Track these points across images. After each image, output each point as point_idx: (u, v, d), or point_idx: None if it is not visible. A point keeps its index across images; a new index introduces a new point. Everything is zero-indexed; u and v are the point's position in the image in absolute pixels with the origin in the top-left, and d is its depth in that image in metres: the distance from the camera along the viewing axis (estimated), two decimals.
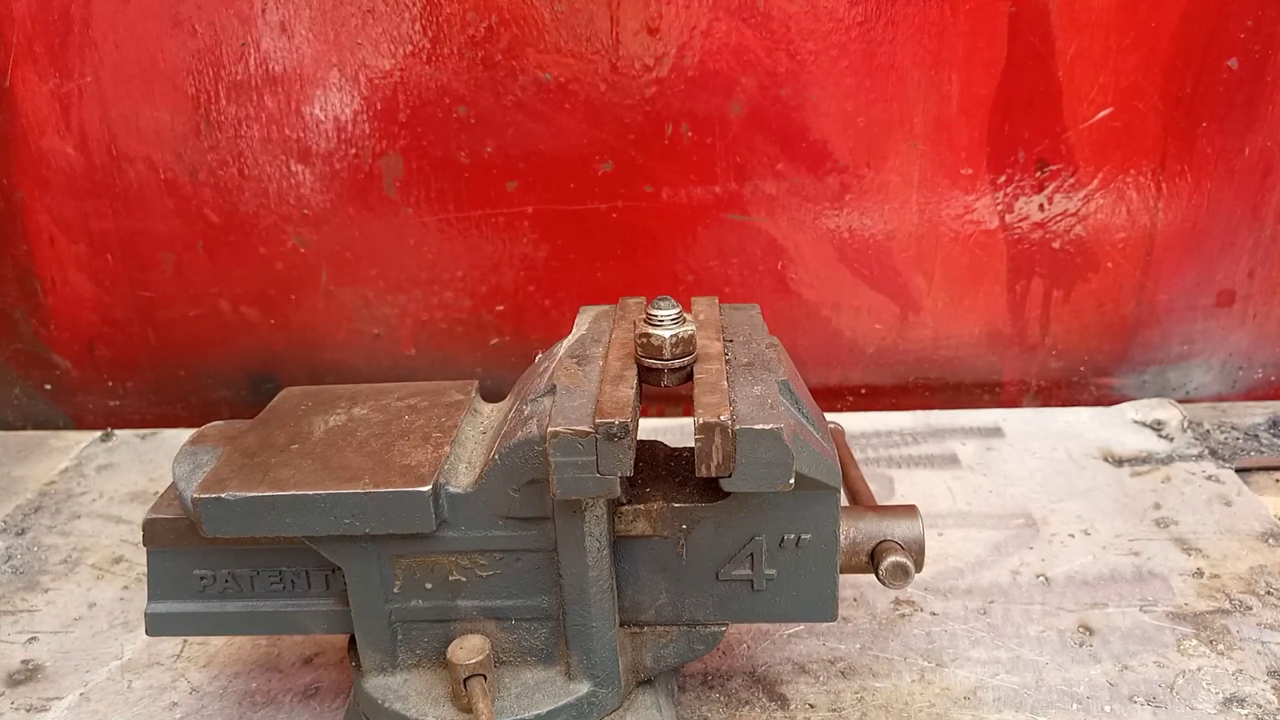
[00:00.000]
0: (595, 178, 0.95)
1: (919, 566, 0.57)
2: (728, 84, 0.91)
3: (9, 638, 0.75)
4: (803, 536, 0.55)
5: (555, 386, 0.54)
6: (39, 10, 0.89)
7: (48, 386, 1.04)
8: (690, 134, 0.93)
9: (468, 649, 0.55)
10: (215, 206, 0.96)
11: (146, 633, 0.61)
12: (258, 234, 0.97)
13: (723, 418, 0.48)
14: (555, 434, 0.49)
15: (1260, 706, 0.64)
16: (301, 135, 0.93)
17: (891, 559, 0.56)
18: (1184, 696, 0.65)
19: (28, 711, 0.68)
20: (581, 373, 0.55)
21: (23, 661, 0.73)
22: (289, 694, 0.68)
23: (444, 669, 0.56)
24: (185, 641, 0.74)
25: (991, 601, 0.74)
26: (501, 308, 0.99)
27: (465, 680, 0.54)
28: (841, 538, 0.56)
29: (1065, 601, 0.74)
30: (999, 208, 0.96)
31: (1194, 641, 0.70)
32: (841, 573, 0.57)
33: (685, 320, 0.55)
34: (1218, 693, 0.65)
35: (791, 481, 0.49)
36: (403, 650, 0.58)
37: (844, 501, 0.59)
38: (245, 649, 0.73)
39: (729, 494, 0.53)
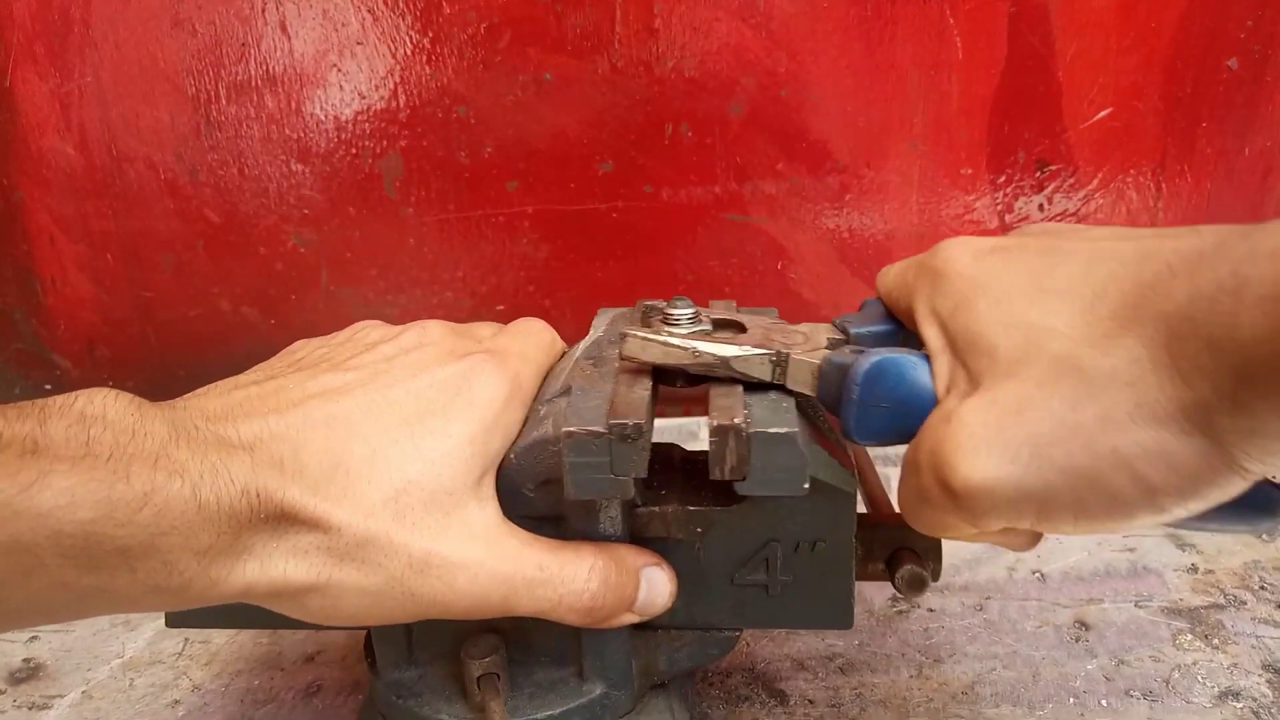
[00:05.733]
0: (595, 178, 0.95)
1: (936, 576, 0.57)
2: (728, 84, 0.91)
3: (10, 636, 0.75)
4: (818, 542, 0.55)
5: (570, 387, 0.54)
6: (39, 10, 0.89)
7: (48, 387, 1.04)
8: (690, 134, 0.93)
9: (481, 647, 0.55)
10: (215, 206, 0.96)
11: (166, 624, 0.62)
12: (258, 234, 0.97)
13: (736, 421, 0.48)
14: (569, 434, 0.49)
15: (1255, 699, 0.64)
16: (301, 135, 0.93)
17: (908, 568, 0.56)
18: (1179, 690, 0.65)
19: (30, 709, 0.68)
20: (597, 374, 0.55)
21: (24, 660, 0.73)
22: (291, 691, 0.69)
23: (458, 666, 0.56)
24: (187, 640, 0.74)
25: (988, 598, 0.74)
26: (501, 308, 0.99)
27: (478, 679, 0.54)
28: (858, 544, 0.56)
29: (1061, 597, 0.74)
30: (999, 208, 0.96)
31: (1189, 636, 0.70)
32: (858, 580, 0.56)
33: (702, 321, 0.55)
34: (1213, 686, 0.65)
35: (806, 486, 0.49)
36: (418, 647, 0.58)
37: (862, 508, 0.59)
38: (247, 647, 0.73)
39: (744, 498, 0.53)
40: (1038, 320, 0.41)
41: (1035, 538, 0.49)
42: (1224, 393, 0.34)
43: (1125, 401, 0.37)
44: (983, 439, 0.41)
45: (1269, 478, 0.39)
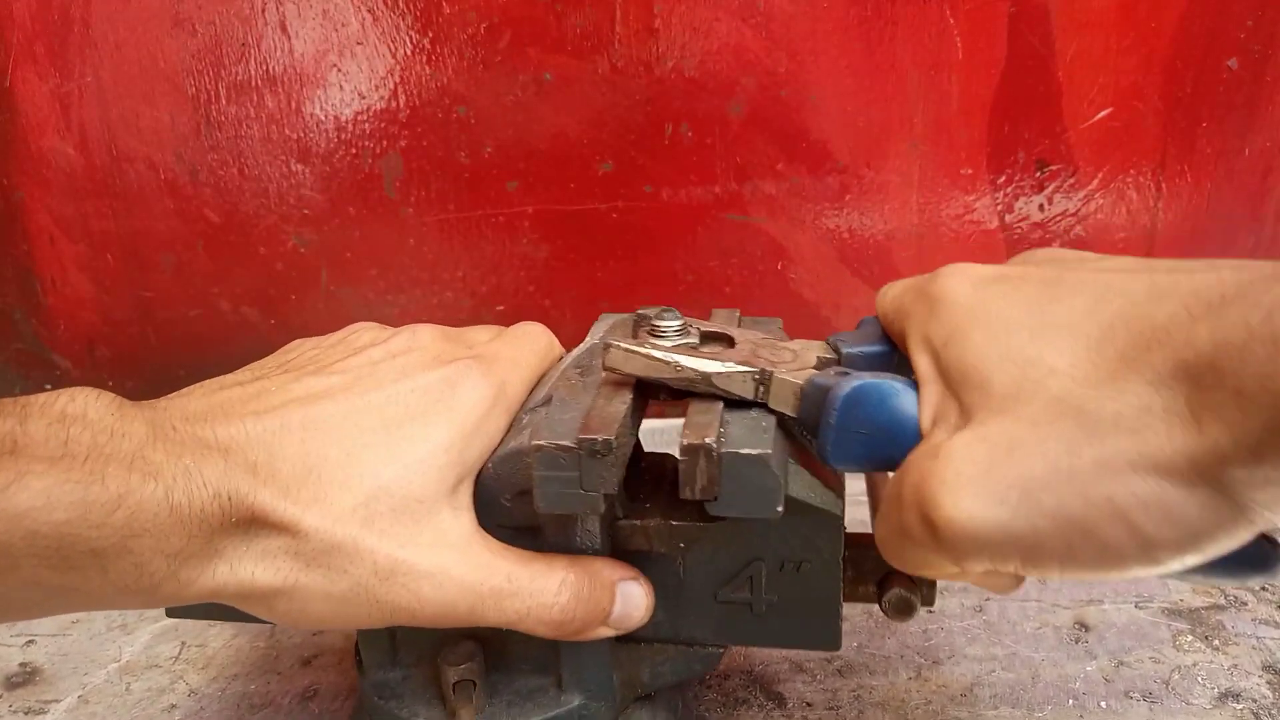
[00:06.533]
0: (595, 178, 0.94)
1: (927, 602, 0.56)
2: (728, 84, 0.91)
3: (6, 641, 0.75)
4: (803, 563, 0.54)
5: (551, 397, 0.53)
6: (39, 10, 0.89)
7: (48, 386, 1.03)
8: (690, 134, 0.93)
9: (458, 654, 0.55)
10: (215, 206, 0.96)
11: (167, 615, 0.62)
12: (258, 234, 0.97)
13: (707, 440, 0.47)
14: (539, 447, 0.48)
15: (1255, 701, 0.64)
16: (301, 135, 0.93)
17: (895, 591, 0.55)
18: (1179, 692, 0.65)
19: (26, 714, 0.68)
20: (582, 384, 0.55)
21: (20, 664, 0.73)
22: (287, 696, 0.69)
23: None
24: (184, 644, 0.74)
25: (987, 599, 0.74)
26: (501, 308, 0.99)
27: (453, 685, 0.54)
28: (848, 566, 0.55)
29: (1061, 598, 0.74)
30: (999, 208, 0.95)
31: (1189, 637, 0.70)
32: (847, 601, 0.56)
33: (689, 333, 0.55)
34: (1213, 688, 0.65)
35: (780, 509, 0.48)
36: (402, 649, 0.58)
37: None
38: (244, 651, 0.73)
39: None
40: (1037, 356, 0.40)
41: (1019, 581, 0.48)
42: (1246, 443, 0.33)
43: (1127, 449, 0.36)
44: (970, 477, 0.39)
45: (1265, 533, 0.39)
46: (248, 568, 0.45)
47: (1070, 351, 0.39)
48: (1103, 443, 0.36)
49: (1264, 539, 0.40)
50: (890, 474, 0.47)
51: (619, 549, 0.55)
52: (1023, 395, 0.40)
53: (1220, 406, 0.34)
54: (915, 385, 0.47)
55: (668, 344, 0.53)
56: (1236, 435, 0.33)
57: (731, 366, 0.51)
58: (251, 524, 0.45)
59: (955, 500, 0.39)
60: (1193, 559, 0.36)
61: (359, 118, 0.93)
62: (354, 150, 0.94)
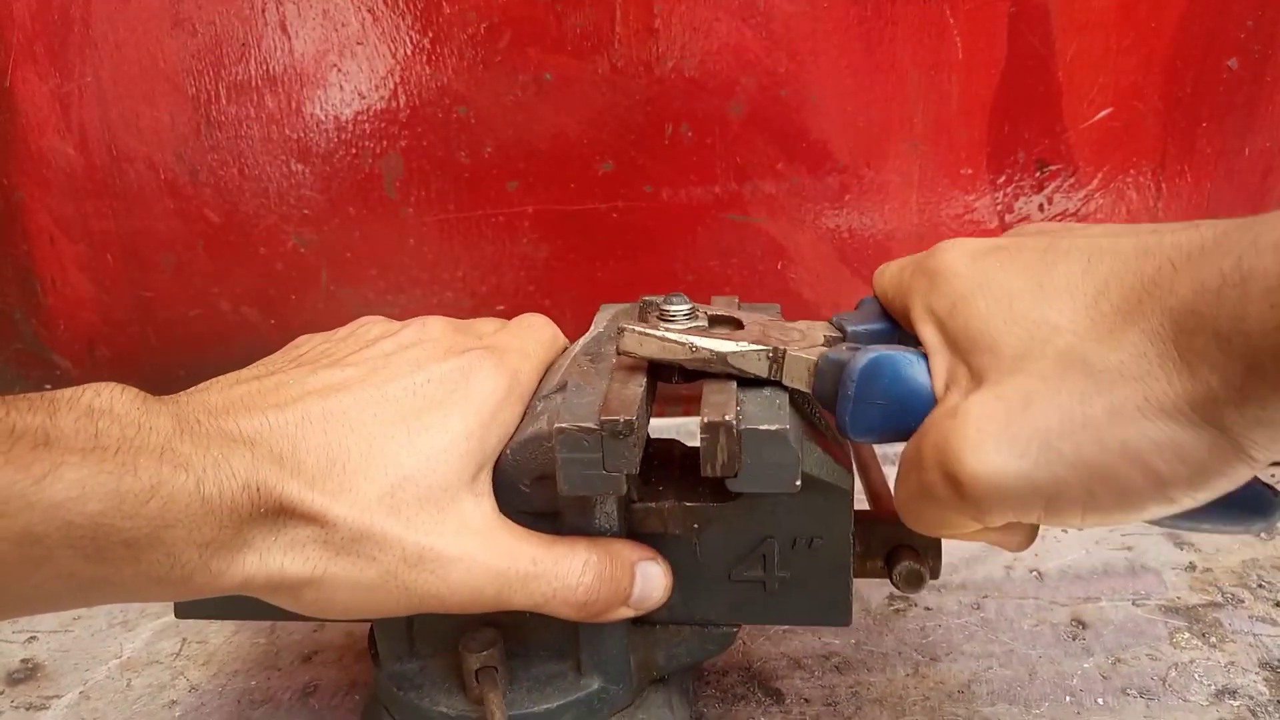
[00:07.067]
0: (595, 178, 0.95)
1: (935, 573, 0.57)
2: (728, 84, 0.91)
3: (8, 637, 0.75)
4: (815, 539, 0.55)
5: (566, 383, 0.54)
6: (39, 10, 0.89)
7: (48, 386, 1.04)
8: (690, 134, 0.93)
9: (479, 641, 0.55)
10: (215, 206, 0.96)
11: (175, 615, 0.63)
12: (258, 234, 0.97)
13: (727, 417, 0.48)
14: (562, 430, 0.49)
15: (1252, 698, 0.64)
16: (301, 135, 0.93)
17: (906, 564, 0.56)
18: (1176, 688, 0.65)
19: (27, 710, 0.68)
20: (594, 370, 0.55)
21: (22, 660, 0.73)
22: (288, 691, 0.69)
23: (458, 659, 0.56)
24: (184, 640, 0.74)
25: (985, 596, 0.74)
26: (501, 308, 0.99)
27: (476, 672, 0.55)
28: (856, 542, 0.56)
29: (1058, 595, 0.74)
30: (999, 208, 0.95)
31: (1186, 634, 0.70)
32: (856, 577, 0.57)
33: (698, 317, 0.55)
34: (1210, 684, 0.65)
35: (798, 483, 0.49)
36: (419, 639, 0.59)
37: (867, 504, 0.59)
38: (244, 647, 0.73)
39: (740, 495, 0.53)
40: (1040, 317, 0.42)
41: (1031, 537, 0.49)
42: (1232, 385, 0.34)
43: (1134, 395, 0.37)
44: (990, 433, 0.41)
45: (1260, 479, 0.40)
46: (276, 558, 0.46)
47: (1070, 310, 0.41)
48: (1112, 392, 0.38)
49: (1265, 487, 0.41)
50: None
51: (634, 532, 0.55)
52: (1031, 353, 0.41)
53: (1205, 350, 0.35)
54: (924, 356, 0.47)
55: (679, 327, 0.53)
56: (1223, 377, 0.35)
57: (745, 346, 0.52)
58: (280, 514, 0.45)
59: (978, 455, 0.41)
60: (1205, 495, 0.38)
61: (359, 118, 0.93)
62: (354, 150, 0.94)
